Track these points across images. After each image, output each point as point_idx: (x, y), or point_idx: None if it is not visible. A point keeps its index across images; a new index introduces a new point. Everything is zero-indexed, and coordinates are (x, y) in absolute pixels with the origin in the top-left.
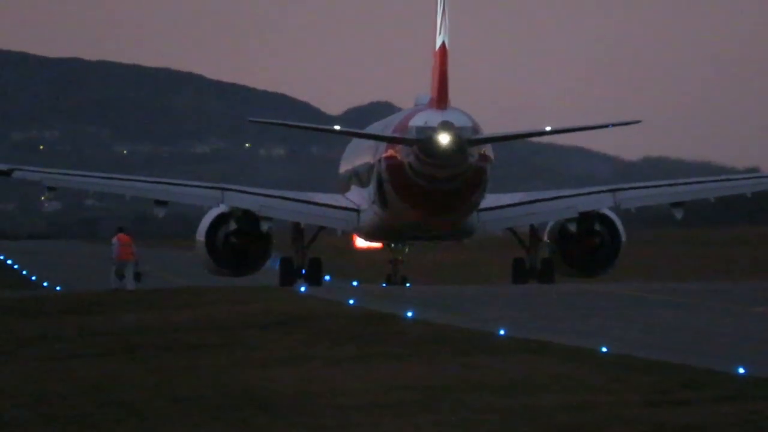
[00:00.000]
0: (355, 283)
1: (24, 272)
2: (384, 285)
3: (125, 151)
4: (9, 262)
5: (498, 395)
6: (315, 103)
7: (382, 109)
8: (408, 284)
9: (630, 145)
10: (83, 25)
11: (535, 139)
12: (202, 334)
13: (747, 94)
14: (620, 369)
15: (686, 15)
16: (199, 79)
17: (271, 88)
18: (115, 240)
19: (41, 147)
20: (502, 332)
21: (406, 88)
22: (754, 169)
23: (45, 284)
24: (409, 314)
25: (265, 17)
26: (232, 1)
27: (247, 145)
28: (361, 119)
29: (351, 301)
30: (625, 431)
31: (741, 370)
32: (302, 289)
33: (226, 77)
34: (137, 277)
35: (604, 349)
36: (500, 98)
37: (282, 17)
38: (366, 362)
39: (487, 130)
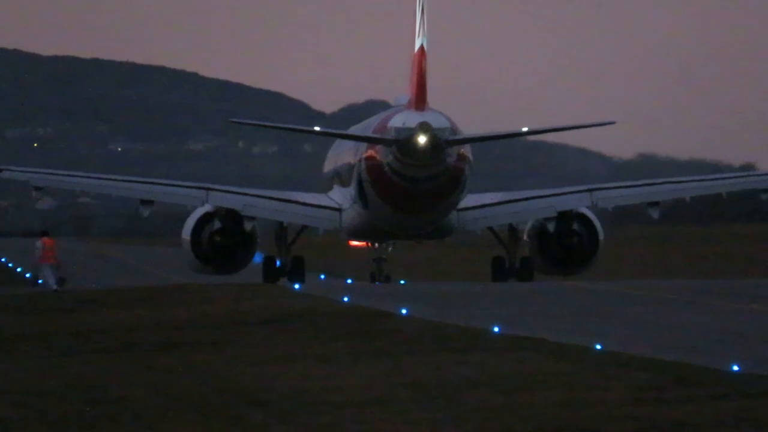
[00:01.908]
0: (349, 281)
1: (18, 269)
2: (378, 283)
3: (120, 149)
4: (3, 259)
5: (492, 392)
6: (309, 101)
7: (377, 108)
8: (402, 281)
9: (626, 143)
10: (77, 23)
11: (532, 138)
12: (197, 331)
13: (743, 91)
14: (614, 366)
15: (683, 10)
16: (194, 76)
17: (265, 86)
18: (39, 243)
19: (35, 144)
20: (496, 329)
21: (402, 87)
22: (750, 166)
23: (39, 282)
24: (404, 311)
25: (260, 15)
26: None
27: (240, 144)
28: (355, 118)
29: (345, 299)
30: (619, 428)
31: (735, 368)
32: (297, 286)
33: (221, 75)
34: (61, 282)
35: (599, 347)
36: (487, 97)
37: (277, 15)
38: (361, 359)
39: (475, 129)
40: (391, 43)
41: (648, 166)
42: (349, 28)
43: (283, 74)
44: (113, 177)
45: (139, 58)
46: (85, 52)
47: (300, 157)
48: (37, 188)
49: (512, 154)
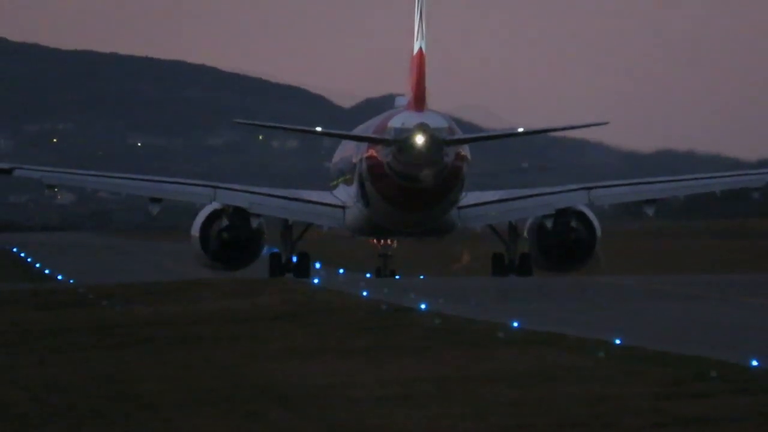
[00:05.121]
0: (368, 275)
1: (37, 265)
2: (396, 278)
3: (139, 144)
4: (22, 254)
5: (512, 387)
6: (329, 95)
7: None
8: (422, 276)
9: (644, 138)
10: (97, 17)
11: (551, 133)
12: (215, 326)
13: (761, 87)
14: (634, 361)
15: (696, 4)
16: (213, 71)
17: (285, 81)
18: None
19: (54, 140)
20: (515, 324)
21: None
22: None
23: (59, 277)
24: (423, 306)
25: (279, 9)
26: None
27: (260, 137)
28: (373, 112)
29: (364, 293)
30: (638, 423)
31: (754, 362)
32: (315, 281)
33: (240, 70)
34: None
35: (618, 341)
36: (506, 95)
37: (296, 9)
38: (380, 354)
39: (492, 125)
40: (412, 38)
41: (667, 161)
42: (368, 24)
43: (303, 69)
44: (123, 175)
45: (158, 53)
46: (105, 46)
47: (319, 152)
48: (49, 186)
49: (531, 149)
